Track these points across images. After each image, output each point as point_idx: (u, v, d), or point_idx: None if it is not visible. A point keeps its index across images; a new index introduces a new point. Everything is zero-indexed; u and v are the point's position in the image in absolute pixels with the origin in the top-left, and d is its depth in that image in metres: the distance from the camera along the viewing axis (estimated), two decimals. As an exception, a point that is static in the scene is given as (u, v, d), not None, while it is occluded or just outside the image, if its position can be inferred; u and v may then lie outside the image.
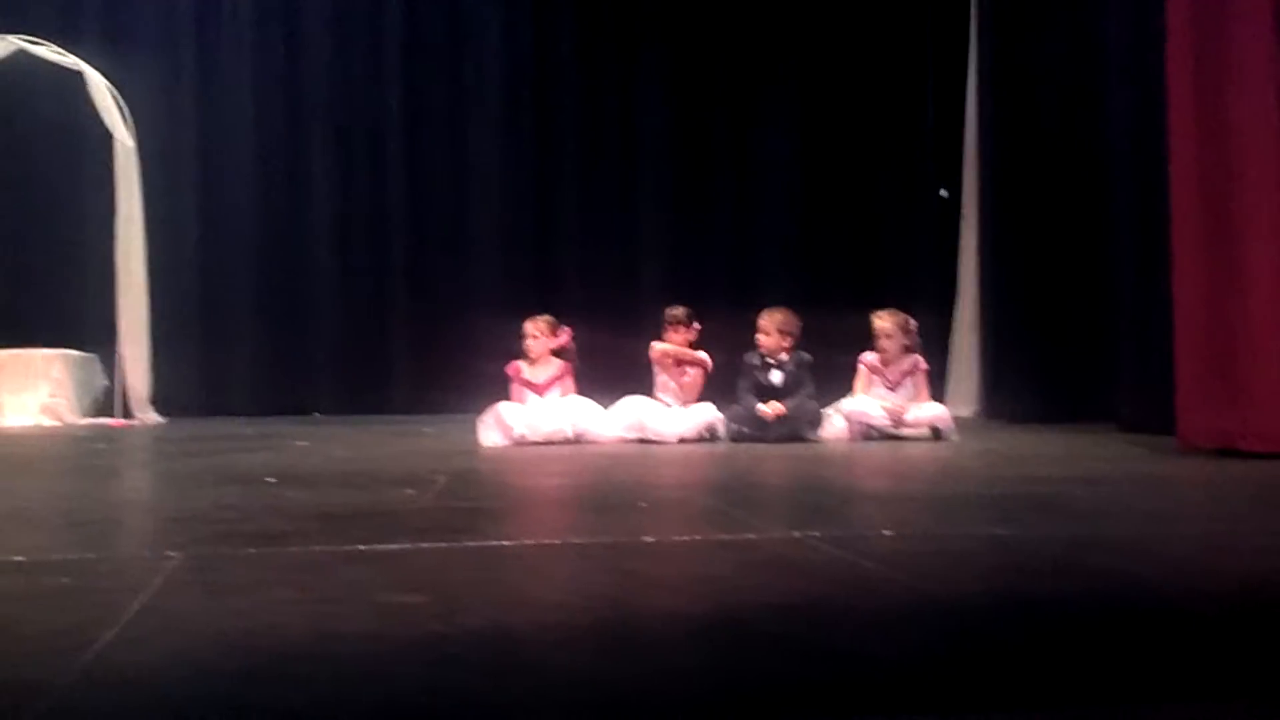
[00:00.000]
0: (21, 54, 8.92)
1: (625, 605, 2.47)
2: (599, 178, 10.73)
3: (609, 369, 7.74)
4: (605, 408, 7.20)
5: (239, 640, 2.15)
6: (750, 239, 10.79)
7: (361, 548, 3.11)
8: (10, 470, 5.83)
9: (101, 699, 1.84)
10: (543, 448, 6.64)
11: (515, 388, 7.21)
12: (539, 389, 7.21)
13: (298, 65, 10.45)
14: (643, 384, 7.45)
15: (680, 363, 7.41)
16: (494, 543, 3.29)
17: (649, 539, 3.29)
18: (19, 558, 3.03)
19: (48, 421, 8.93)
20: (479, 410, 7.10)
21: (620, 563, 2.93)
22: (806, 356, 7.33)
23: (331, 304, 10.41)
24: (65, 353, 9.27)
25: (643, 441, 6.97)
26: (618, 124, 10.81)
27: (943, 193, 9.01)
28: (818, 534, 3.31)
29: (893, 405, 7.25)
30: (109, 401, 9.30)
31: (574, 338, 7.36)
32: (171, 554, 3.01)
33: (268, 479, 4.91)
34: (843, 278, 10.44)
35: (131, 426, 8.84)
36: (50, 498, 4.59)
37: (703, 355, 7.45)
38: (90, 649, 2.08)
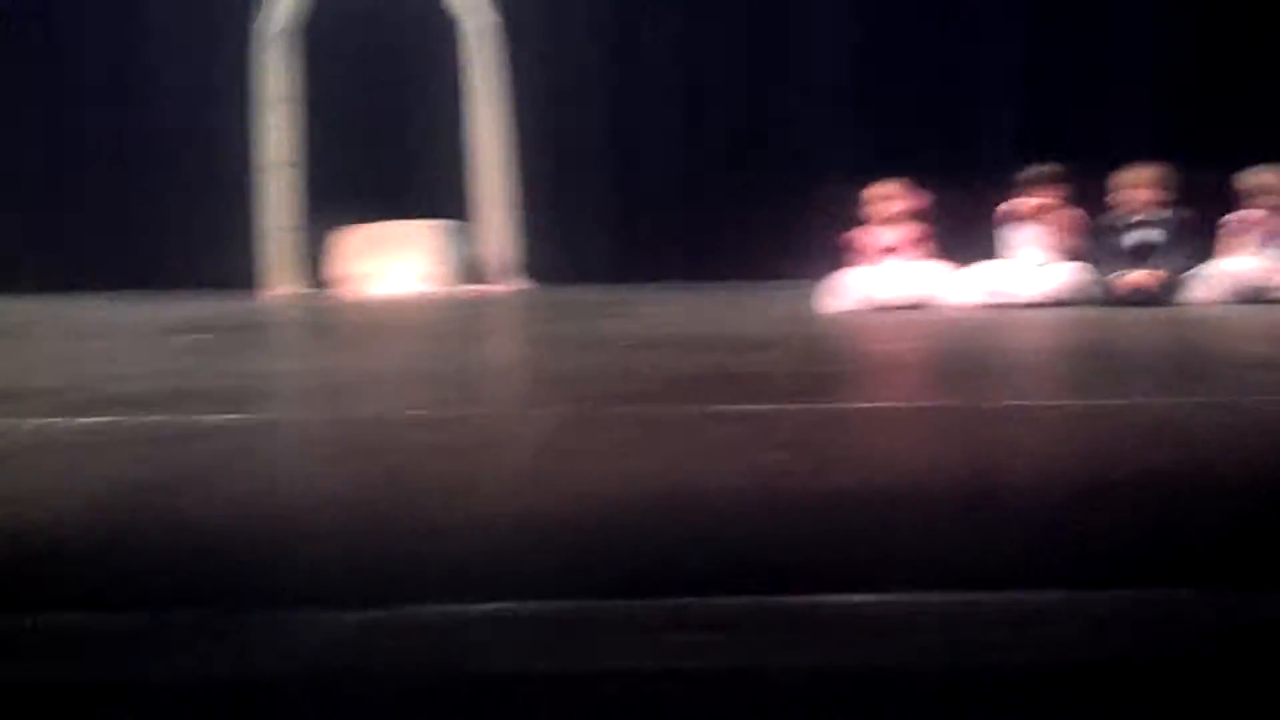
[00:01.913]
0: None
1: (991, 470, 2.45)
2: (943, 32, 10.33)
3: (961, 231, 7.54)
4: (958, 270, 7.02)
5: (629, 491, 2.25)
6: (1113, 92, 10.19)
7: (726, 408, 3.18)
8: (397, 334, 6.25)
9: (501, 541, 1.97)
10: (892, 313, 6.57)
11: (860, 252, 7.12)
12: (886, 252, 7.11)
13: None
14: (996, 246, 7.23)
15: (1042, 220, 7.08)
16: (854, 405, 3.31)
17: (1011, 403, 3.24)
18: (413, 412, 3.27)
19: (423, 287, 9.48)
20: (823, 276, 7.06)
21: (981, 427, 2.90)
22: (1186, 214, 6.86)
23: (680, 171, 10.54)
24: (439, 222, 9.77)
25: (999, 306, 6.78)
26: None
27: None
28: (1195, 400, 3.17)
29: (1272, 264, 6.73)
30: (478, 268, 9.78)
31: (922, 201, 7.19)
32: (547, 411, 3.17)
33: (624, 343, 5.07)
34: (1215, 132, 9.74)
35: (499, 292, 9.29)
36: (435, 359, 4.90)
37: (1068, 212, 7.09)
38: (485, 496, 2.23)
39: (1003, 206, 7.15)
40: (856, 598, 1.63)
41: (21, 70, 10.09)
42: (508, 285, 9.59)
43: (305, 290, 9.44)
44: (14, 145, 10.07)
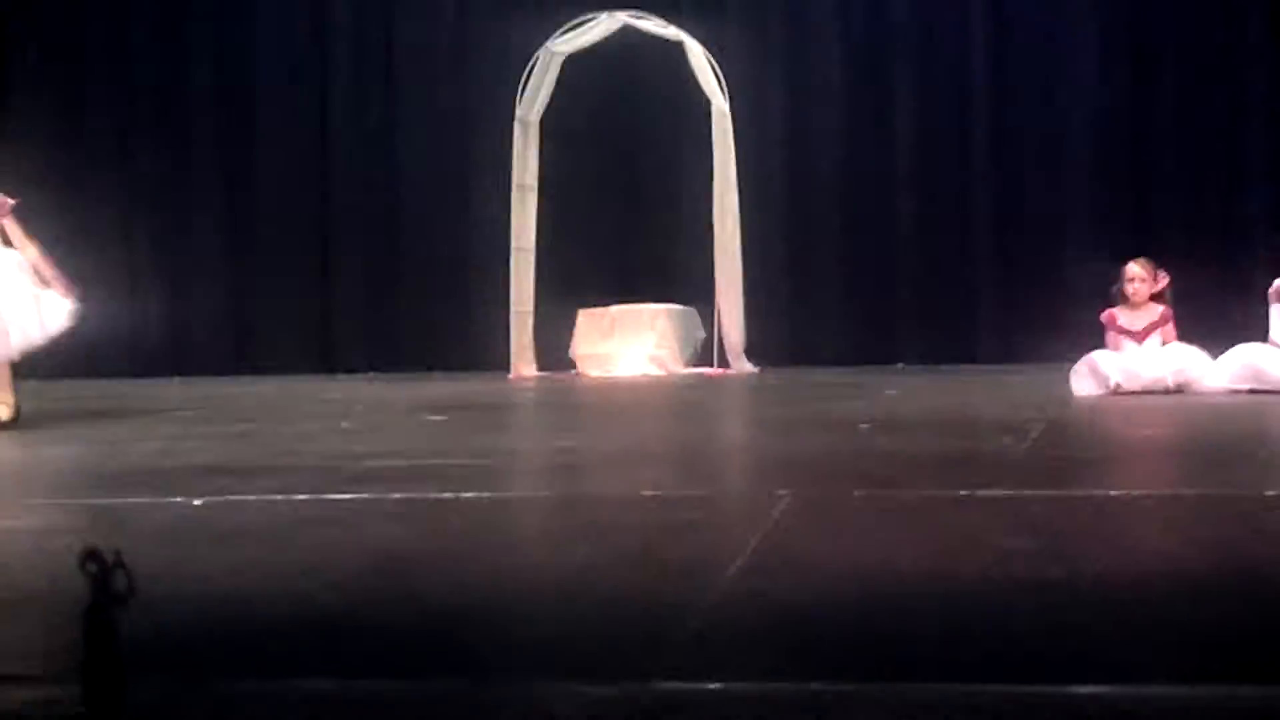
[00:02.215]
0: (628, 29, 9.59)
1: (1250, 560, 2.34)
2: (1199, 107, 10.05)
3: (1213, 315, 7.26)
4: (1212, 356, 6.75)
5: (856, 576, 2.24)
6: None
7: (966, 493, 3.13)
8: (627, 414, 6.34)
9: (739, 622, 1.98)
10: (1141, 397, 6.35)
11: (1111, 335, 6.92)
12: (1138, 336, 6.89)
13: (881, 22, 10.52)
14: (1253, 329, 6.92)
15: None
16: (1102, 492, 3.21)
17: (1272, 493, 3.08)
18: (649, 492, 3.31)
19: (654, 370, 9.61)
20: (1070, 359, 6.88)
21: (1240, 516, 2.77)
22: None
23: (915, 254, 10.46)
24: (669, 307, 9.92)
25: (1255, 392, 6.47)
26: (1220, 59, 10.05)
27: None
28: None
29: None
30: (707, 351, 9.87)
31: (1173, 281, 6.96)
32: (782, 493, 3.16)
33: (862, 425, 5.03)
34: None
35: (728, 375, 9.34)
36: (666, 439, 4.96)
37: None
38: (723, 576, 2.24)
39: (1276, 284, 6.79)
40: (1095, 689, 1.58)
41: (281, 155, 10.68)
42: (741, 368, 9.63)
43: (548, 371, 9.68)
44: (275, 230, 10.63)
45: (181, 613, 2.04)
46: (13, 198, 5.76)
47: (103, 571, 1.46)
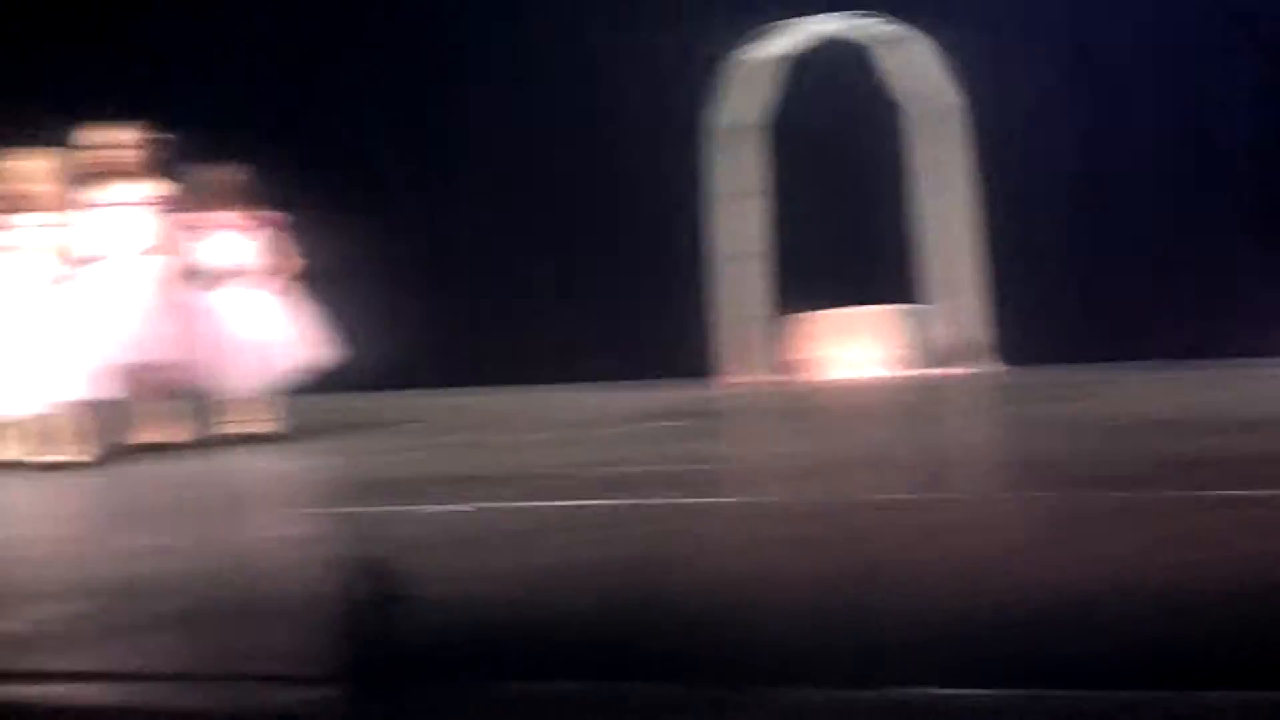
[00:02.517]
0: (838, 29, 9.51)
1: None
2: None
3: None
4: None
5: (1114, 583, 2.18)
6: None
7: (1214, 493, 3.03)
8: (860, 419, 6.29)
9: (1005, 629, 1.95)
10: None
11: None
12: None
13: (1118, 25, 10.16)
14: None
15: None
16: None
17: None
18: (891, 496, 3.29)
19: (888, 372, 9.49)
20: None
21: None
22: None
23: (1151, 247, 10.08)
24: (902, 306, 9.79)
25: None
26: None
27: None
28: None
29: None
30: (949, 351, 9.66)
31: None
32: (1033, 496, 3.10)
33: (1109, 423, 4.89)
34: None
35: (965, 375, 9.17)
36: (901, 443, 4.88)
37: None
38: (981, 582, 2.21)
39: None
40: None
41: (497, 164, 10.90)
42: (975, 368, 9.45)
43: (765, 377, 9.68)
44: (504, 241, 10.86)
45: (440, 616, 2.13)
46: (281, 211, 6.16)
47: (372, 575, 1.56)
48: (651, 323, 10.43)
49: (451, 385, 10.19)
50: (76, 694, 1.90)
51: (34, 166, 5.27)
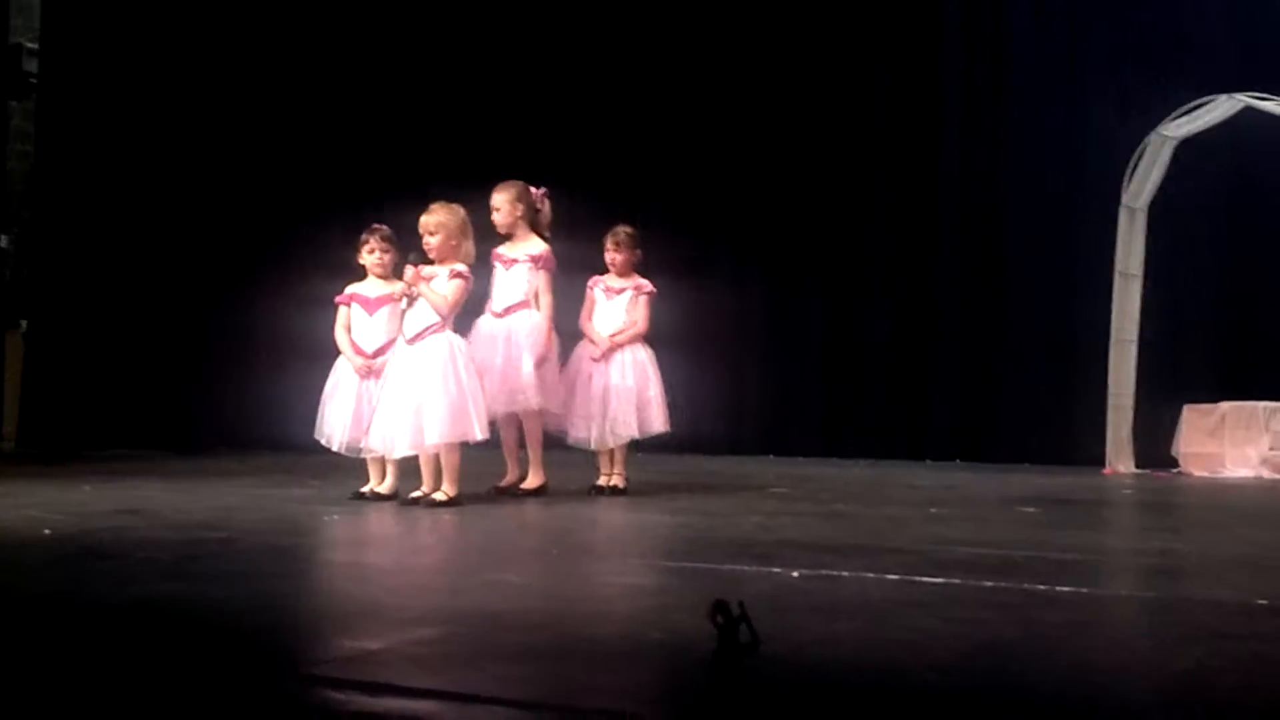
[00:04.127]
0: (1249, 110, 9.01)
1: None
2: None
3: None
4: None
5: None
6: None
7: None
8: (1238, 518, 5.89)
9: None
10: None
11: None
12: None
13: None
14: None
15: None
16: None
17: None
18: (1265, 600, 3.06)
19: (1269, 474, 8.87)
20: None
21: None
22: None
23: None
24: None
25: None
26: None
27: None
28: None
29: None
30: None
31: None
32: None
33: None
34: None
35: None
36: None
37: None
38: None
39: None
40: None
41: (883, 238, 10.83)
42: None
43: (1148, 469, 9.20)
44: (872, 313, 10.77)
45: (787, 673, 2.11)
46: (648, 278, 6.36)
47: (730, 623, 1.54)
48: (1035, 406, 10.06)
49: (812, 455, 10.18)
50: (415, 707, 1.97)
51: (446, 219, 5.58)
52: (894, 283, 10.73)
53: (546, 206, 6.23)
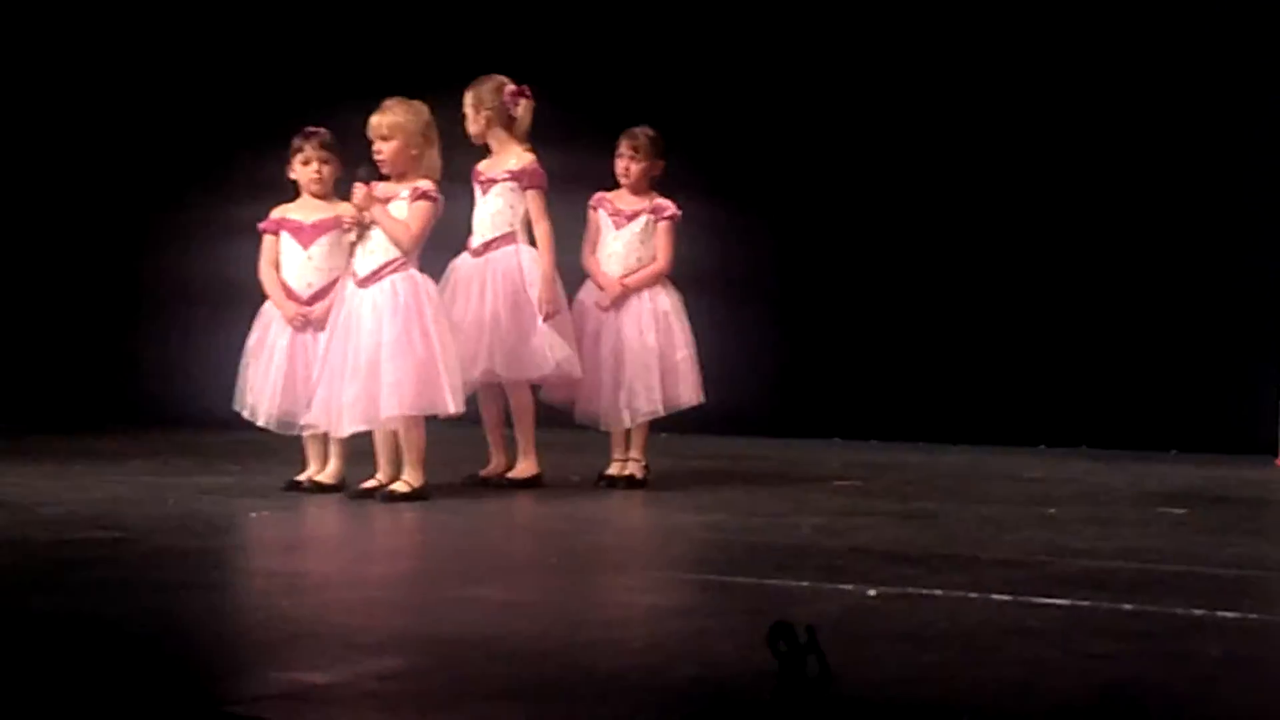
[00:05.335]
0: None
1: None
2: None
3: None
4: None
5: None
6: None
7: None
8: None
9: None
10: None
11: None
12: None
13: None
14: None
15: None
16: None
17: None
18: None
19: None
20: None
21: None
22: None
23: None
24: None
25: None
26: None
27: None
28: None
29: None
30: None
31: None
32: None
33: None
34: None
35: None
36: None
37: None
38: None
39: None
40: None
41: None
42: None
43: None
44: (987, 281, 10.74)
45: (865, 717, 2.12)
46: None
47: (796, 652, 1.54)
48: (1183, 383, 10.02)
49: (894, 439, 10.16)
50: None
51: (404, 119, 5.55)
52: (1003, 217, 10.68)
53: (522, 109, 6.09)
